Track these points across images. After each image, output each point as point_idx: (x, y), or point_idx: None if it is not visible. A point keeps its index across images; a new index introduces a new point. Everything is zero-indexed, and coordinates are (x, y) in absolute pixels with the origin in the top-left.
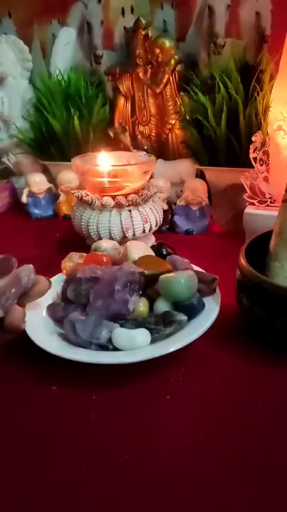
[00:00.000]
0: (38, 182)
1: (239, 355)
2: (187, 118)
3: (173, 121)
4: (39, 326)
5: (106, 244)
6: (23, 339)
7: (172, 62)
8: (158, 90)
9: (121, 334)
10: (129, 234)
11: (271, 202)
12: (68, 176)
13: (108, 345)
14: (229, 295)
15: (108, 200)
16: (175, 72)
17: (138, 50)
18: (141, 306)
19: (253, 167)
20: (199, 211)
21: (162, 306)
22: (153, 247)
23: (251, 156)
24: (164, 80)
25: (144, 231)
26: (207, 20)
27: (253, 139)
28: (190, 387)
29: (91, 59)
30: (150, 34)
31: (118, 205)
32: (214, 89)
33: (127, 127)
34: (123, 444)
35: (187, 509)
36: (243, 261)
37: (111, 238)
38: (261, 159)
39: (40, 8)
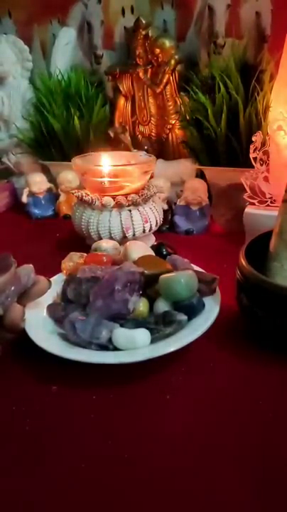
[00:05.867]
0: (38, 182)
1: (239, 355)
2: (187, 118)
3: (173, 121)
4: (39, 326)
5: (106, 244)
6: (23, 339)
7: (172, 62)
8: (158, 90)
9: (121, 334)
10: (129, 234)
11: (271, 202)
12: (68, 176)
13: (108, 345)
14: (229, 295)
15: (108, 200)
16: (175, 72)
17: (138, 50)
18: (141, 306)
19: (253, 167)
20: (199, 211)
21: (162, 306)
22: (153, 247)
23: (251, 156)
24: (164, 80)
25: (144, 231)
26: (207, 20)
27: (253, 139)
28: (190, 387)
29: (92, 59)
30: (150, 34)
31: (119, 205)
32: (214, 89)
33: (127, 127)
34: (123, 444)
35: (187, 509)
36: (243, 261)
37: (111, 238)
38: (261, 159)
39: (40, 8)
